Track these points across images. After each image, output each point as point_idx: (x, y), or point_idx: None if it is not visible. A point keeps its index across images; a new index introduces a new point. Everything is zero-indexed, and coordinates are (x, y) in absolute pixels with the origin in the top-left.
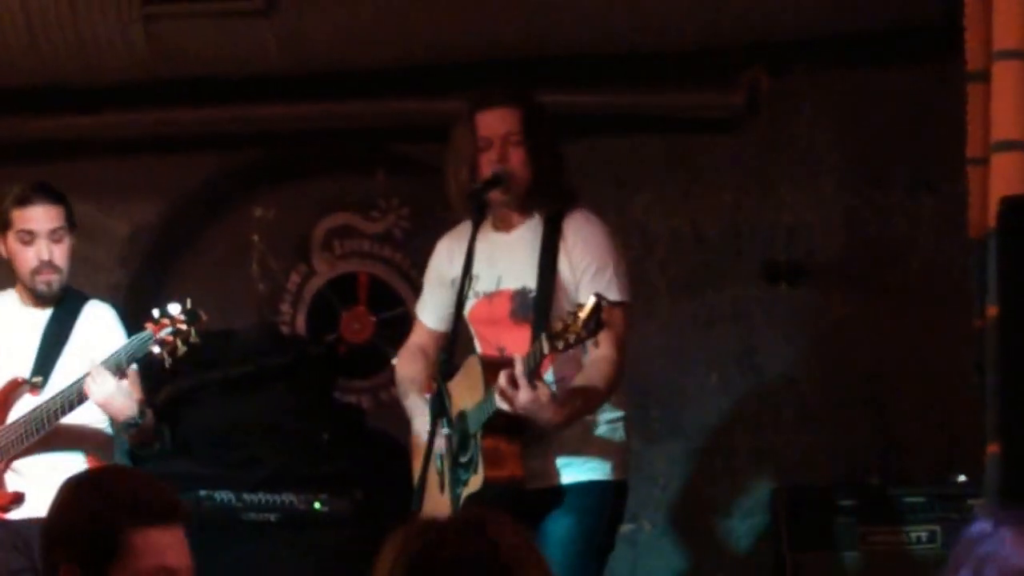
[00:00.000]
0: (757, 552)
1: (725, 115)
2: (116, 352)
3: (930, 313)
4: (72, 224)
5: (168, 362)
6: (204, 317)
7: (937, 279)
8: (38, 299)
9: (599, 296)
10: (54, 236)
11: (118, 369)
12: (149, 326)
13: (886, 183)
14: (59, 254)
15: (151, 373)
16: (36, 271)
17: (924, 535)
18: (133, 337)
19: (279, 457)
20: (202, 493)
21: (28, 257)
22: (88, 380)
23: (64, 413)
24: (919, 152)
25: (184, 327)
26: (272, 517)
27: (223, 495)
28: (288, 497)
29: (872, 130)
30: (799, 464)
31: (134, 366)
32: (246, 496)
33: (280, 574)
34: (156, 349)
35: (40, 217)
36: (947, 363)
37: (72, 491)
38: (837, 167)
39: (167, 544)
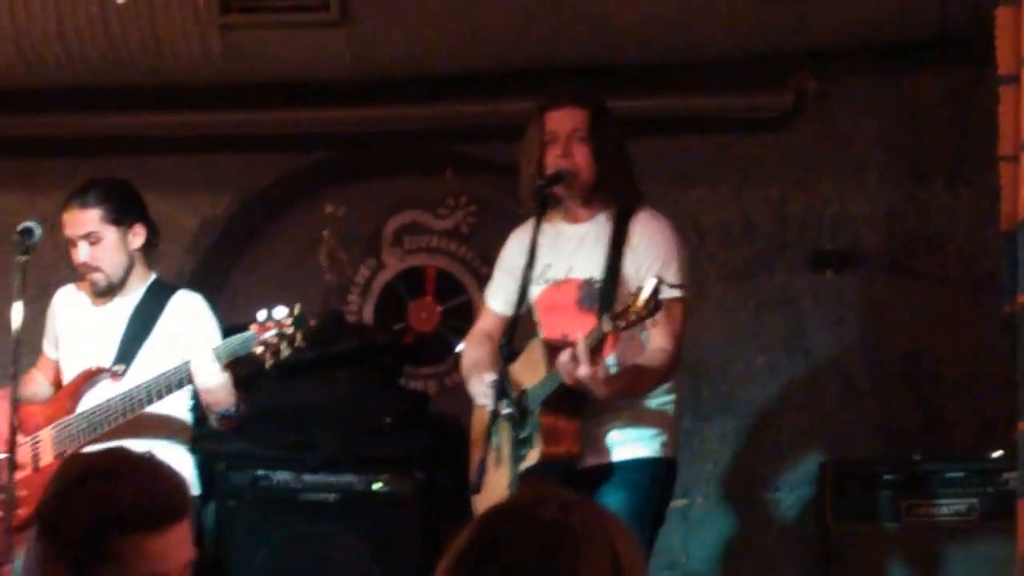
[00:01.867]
0: (804, 524)
1: (774, 116)
2: (218, 347)
3: (966, 299)
4: (116, 219)
5: (269, 363)
6: (312, 323)
7: (972, 267)
8: (97, 294)
9: (659, 278)
10: (90, 239)
11: (218, 362)
12: (253, 327)
13: (924, 178)
14: (96, 254)
15: None
16: (80, 271)
17: (963, 507)
18: (236, 336)
19: (339, 440)
20: (258, 473)
21: (73, 258)
22: (195, 367)
23: (161, 397)
24: (955, 150)
25: (290, 331)
26: (331, 497)
27: (281, 475)
28: (347, 478)
29: (911, 130)
30: (843, 440)
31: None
32: (305, 477)
33: (337, 553)
34: (259, 350)
35: (72, 223)
36: (982, 345)
37: (69, 483)
38: (878, 164)
39: (158, 551)
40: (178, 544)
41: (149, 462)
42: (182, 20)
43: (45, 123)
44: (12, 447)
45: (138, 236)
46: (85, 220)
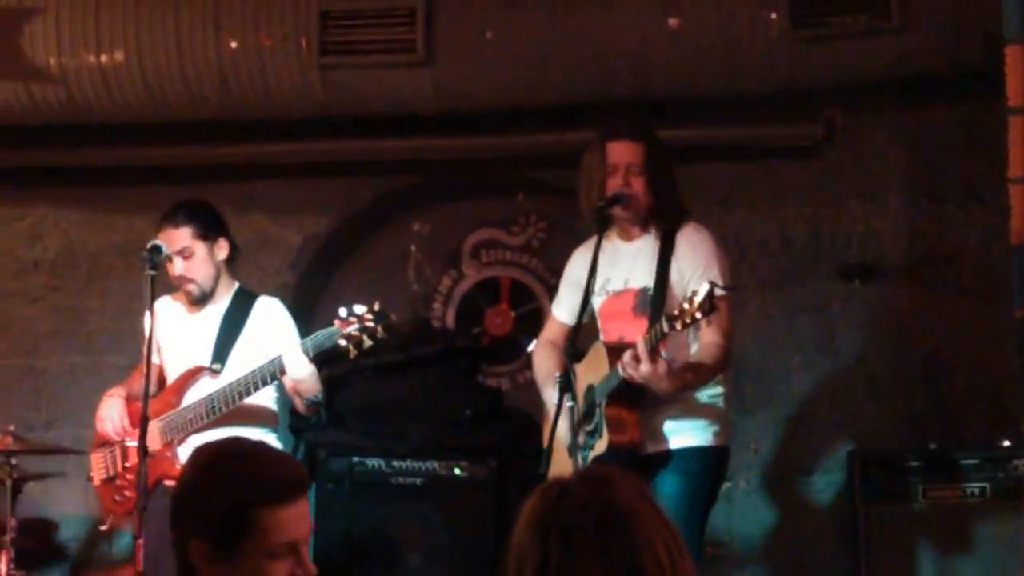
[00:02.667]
0: (834, 505)
1: (807, 144)
2: (304, 341)
3: (979, 306)
4: (204, 235)
5: (353, 354)
6: (393, 317)
7: (984, 278)
8: (191, 303)
9: (712, 283)
10: (183, 254)
11: (306, 355)
12: (337, 323)
13: (941, 199)
14: (189, 267)
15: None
16: (176, 283)
17: (976, 490)
18: (321, 331)
19: (425, 430)
20: (355, 459)
21: (169, 272)
22: (286, 361)
23: (257, 390)
24: (969, 173)
25: (371, 324)
26: (417, 481)
27: (374, 461)
28: (432, 464)
29: (929, 156)
30: (870, 431)
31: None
32: (395, 463)
33: (422, 531)
34: (343, 343)
35: (168, 240)
36: (993, 347)
37: (207, 468)
38: (900, 186)
39: (292, 520)
40: (302, 516)
41: (270, 447)
42: (287, 62)
43: (168, 154)
44: (143, 436)
45: (222, 249)
46: (178, 237)
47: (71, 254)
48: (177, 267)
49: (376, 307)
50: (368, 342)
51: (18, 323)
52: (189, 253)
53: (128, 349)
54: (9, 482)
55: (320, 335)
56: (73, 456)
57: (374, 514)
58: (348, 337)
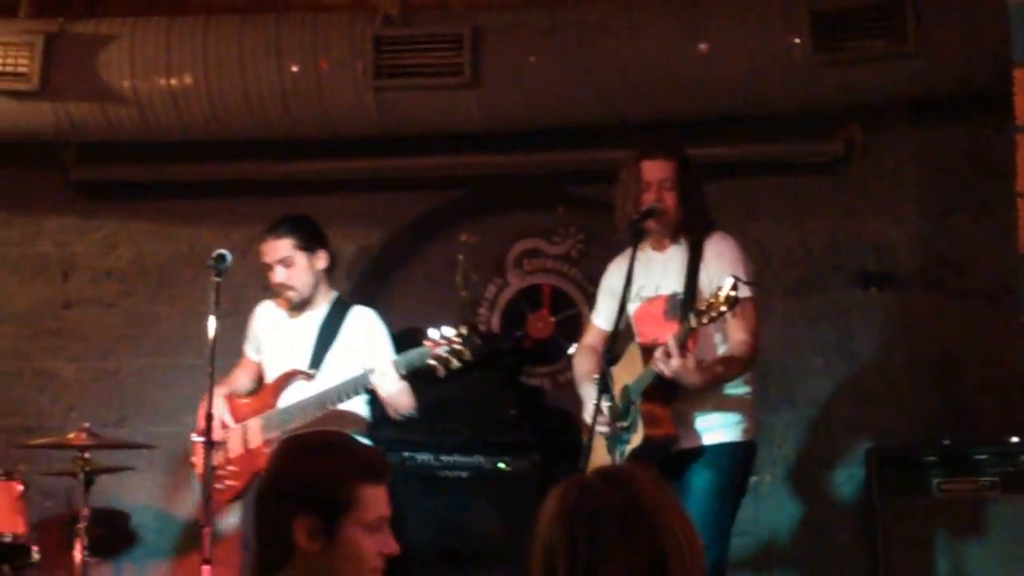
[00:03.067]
0: (854, 498)
1: (827, 160)
2: (397, 360)
3: (988, 311)
4: (305, 246)
5: (442, 373)
6: (479, 341)
7: (994, 284)
8: (291, 309)
9: (735, 277)
10: (284, 263)
11: (398, 373)
12: (427, 343)
13: (953, 210)
14: (289, 275)
15: None
16: (277, 290)
17: (987, 483)
18: (413, 351)
19: (471, 427)
20: (406, 454)
21: (270, 280)
22: (377, 379)
23: (348, 399)
24: (979, 187)
25: (459, 347)
26: (464, 474)
27: (424, 456)
28: (478, 459)
29: (941, 171)
30: (887, 428)
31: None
32: (443, 457)
33: (469, 520)
34: (432, 362)
35: (267, 251)
36: (1002, 349)
37: (307, 452)
38: (914, 199)
39: (383, 498)
40: (387, 499)
41: (356, 438)
42: (343, 84)
43: (233, 170)
44: (209, 432)
45: (321, 260)
46: (280, 248)
47: (141, 263)
48: (278, 275)
49: (464, 330)
50: (456, 364)
51: (93, 328)
52: (290, 262)
53: (195, 351)
54: (82, 475)
55: (412, 354)
56: (143, 451)
57: (424, 505)
58: (438, 358)
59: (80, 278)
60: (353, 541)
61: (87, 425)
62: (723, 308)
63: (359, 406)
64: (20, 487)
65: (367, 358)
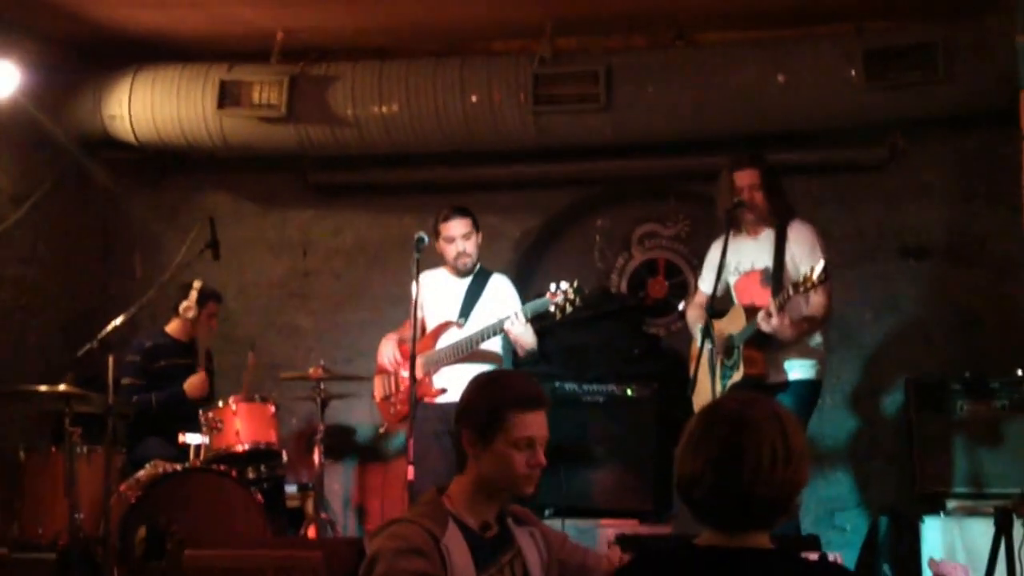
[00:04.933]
0: (896, 417)
1: (875, 163)
2: (524, 307)
3: (1001, 278)
4: (477, 228)
5: (558, 317)
6: (586, 291)
7: (1005, 258)
8: (459, 273)
9: (826, 262)
10: (465, 237)
11: (525, 317)
12: (548, 295)
13: (973, 200)
14: (469, 247)
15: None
16: (456, 258)
17: (999, 406)
18: (536, 300)
19: (607, 363)
20: (556, 384)
21: (450, 250)
22: (508, 323)
23: (487, 340)
24: (993, 182)
25: (572, 296)
26: (600, 399)
27: (570, 385)
28: (611, 387)
29: (964, 170)
30: (921, 365)
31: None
32: (584, 386)
33: (603, 433)
34: (552, 308)
35: (456, 226)
36: (1011, 308)
37: (478, 385)
38: (943, 191)
39: (531, 422)
40: (541, 423)
41: (522, 375)
42: (510, 111)
43: (427, 174)
44: (413, 367)
45: (479, 238)
46: (466, 224)
47: (360, 244)
48: (460, 245)
49: (575, 284)
50: (569, 309)
51: (325, 291)
52: (468, 236)
53: (400, 308)
54: (319, 400)
55: (536, 303)
56: (364, 382)
57: (570, 422)
58: (556, 305)
59: (315, 255)
60: (503, 453)
61: (322, 363)
62: (815, 281)
63: (496, 347)
64: (273, 408)
65: (501, 310)
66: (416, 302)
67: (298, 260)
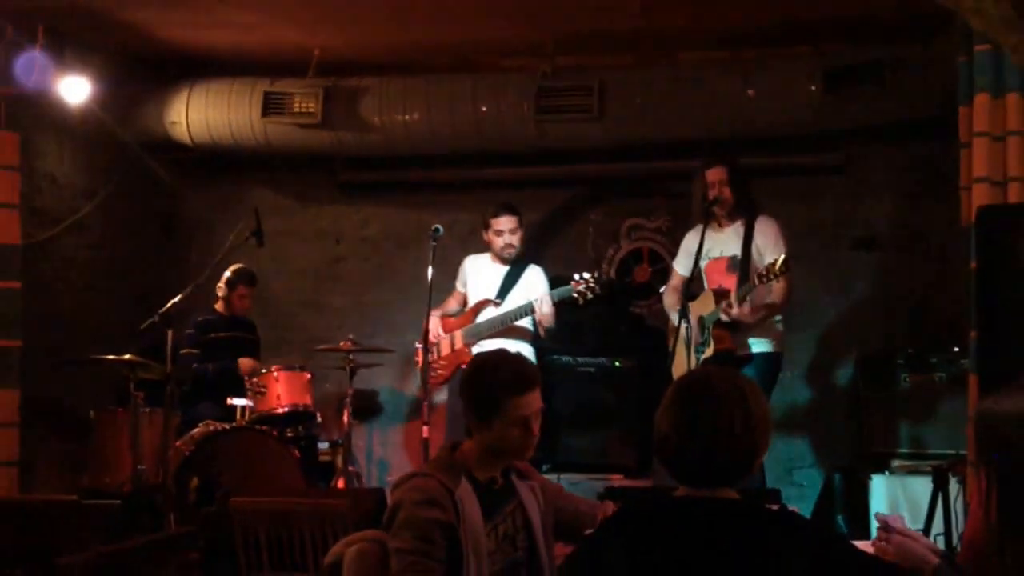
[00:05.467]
0: (847, 387)
1: (832, 165)
2: (552, 292)
3: (940, 267)
4: (522, 224)
5: (581, 302)
6: (604, 280)
7: (945, 248)
8: (503, 261)
9: (786, 255)
10: (512, 231)
11: (552, 301)
12: (573, 283)
13: (916, 199)
14: (515, 240)
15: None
16: (503, 248)
17: (937, 378)
18: (563, 287)
19: (596, 337)
20: (553, 356)
21: (499, 242)
22: (538, 304)
23: (520, 319)
24: (936, 182)
25: (594, 285)
26: (591, 370)
27: (565, 358)
28: (601, 360)
29: (911, 171)
30: (870, 342)
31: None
32: (578, 358)
33: (593, 400)
34: (575, 295)
35: (505, 222)
36: (950, 291)
37: (475, 369)
38: (890, 191)
39: (526, 403)
40: (534, 400)
41: (516, 355)
42: (515, 119)
43: (442, 174)
44: (426, 339)
45: (523, 232)
46: (513, 221)
47: (386, 233)
48: (508, 238)
49: (596, 274)
50: (590, 296)
51: (354, 275)
52: (517, 231)
53: (419, 290)
54: (348, 368)
55: (562, 289)
56: (386, 353)
57: (565, 389)
58: (580, 292)
59: (346, 243)
60: (503, 430)
61: (351, 337)
62: (777, 273)
63: (527, 325)
64: (308, 376)
65: (532, 293)
66: (432, 285)
67: (330, 247)
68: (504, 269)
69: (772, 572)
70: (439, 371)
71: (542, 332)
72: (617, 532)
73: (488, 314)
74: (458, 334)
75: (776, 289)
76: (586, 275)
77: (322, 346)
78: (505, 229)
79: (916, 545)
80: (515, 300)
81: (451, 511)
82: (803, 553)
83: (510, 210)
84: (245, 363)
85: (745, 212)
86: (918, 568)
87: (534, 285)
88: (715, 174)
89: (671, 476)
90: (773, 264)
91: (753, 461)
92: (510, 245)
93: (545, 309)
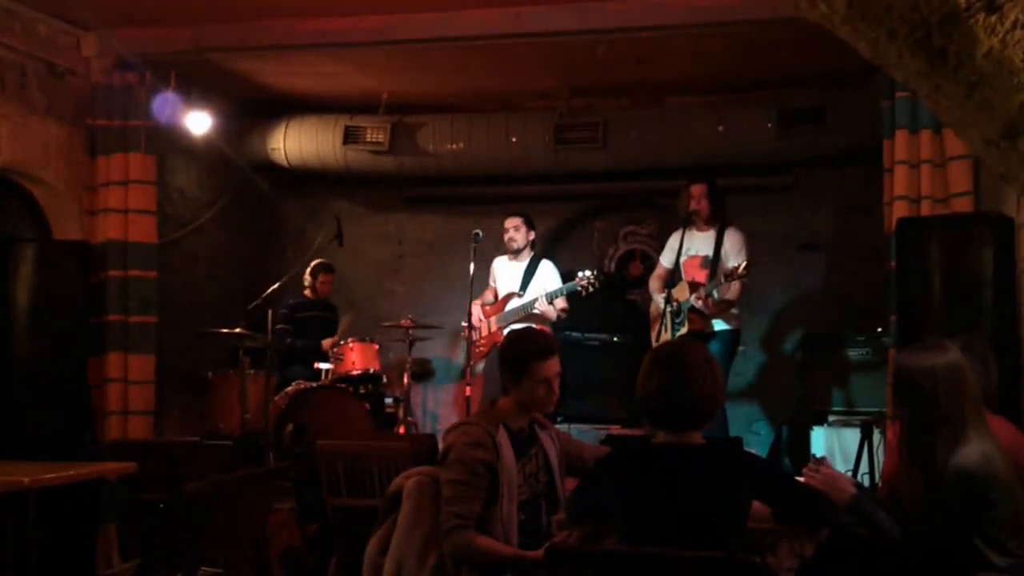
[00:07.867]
0: (794, 362)
1: (783, 186)
2: (559, 288)
3: (868, 266)
4: (528, 225)
5: (584, 294)
6: (603, 277)
7: (874, 250)
8: (511, 255)
9: (748, 261)
10: (516, 229)
11: (562, 293)
12: (576, 280)
13: (851, 210)
14: (518, 236)
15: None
16: (507, 243)
17: (864, 352)
18: (569, 282)
19: (599, 319)
20: (566, 332)
21: (505, 237)
22: (538, 303)
23: (534, 308)
24: (866, 198)
25: (593, 280)
26: (596, 343)
27: (576, 334)
28: (604, 335)
29: (847, 191)
30: (815, 324)
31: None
32: (586, 334)
33: (597, 367)
34: (579, 288)
35: (510, 221)
36: (875, 285)
37: (510, 341)
38: (833, 204)
39: (548, 367)
40: (554, 365)
41: (540, 330)
42: (539, 148)
43: (481, 191)
44: (470, 324)
45: (531, 234)
46: (514, 221)
47: (440, 237)
48: (509, 234)
49: (595, 272)
50: (591, 289)
51: (414, 268)
52: (519, 229)
53: (463, 281)
54: (408, 341)
55: (570, 284)
56: (437, 330)
57: (576, 359)
58: (582, 287)
59: (408, 244)
60: (530, 388)
61: (410, 316)
62: (740, 274)
63: (548, 310)
64: (377, 347)
65: (547, 286)
66: (472, 278)
67: (395, 247)
68: (522, 265)
69: (729, 493)
70: (480, 348)
71: (553, 315)
72: (611, 469)
73: (513, 304)
74: (493, 319)
75: (733, 288)
76: (587, 273)
77: (387, 323)
78: (510, 227)
79: (840, 477)
80: (534, 291)
81: (492, 452)
82: (750, 478)
83: (515, 213)
84: (326, 343)
85: (719, 221)
86: (838, 496)
87: (547, 276)
88: (698, 189)
89: (650, 424)
90: (737, 268)
91: (714, 411)
92: (512, 240)
93: (542, 306)
